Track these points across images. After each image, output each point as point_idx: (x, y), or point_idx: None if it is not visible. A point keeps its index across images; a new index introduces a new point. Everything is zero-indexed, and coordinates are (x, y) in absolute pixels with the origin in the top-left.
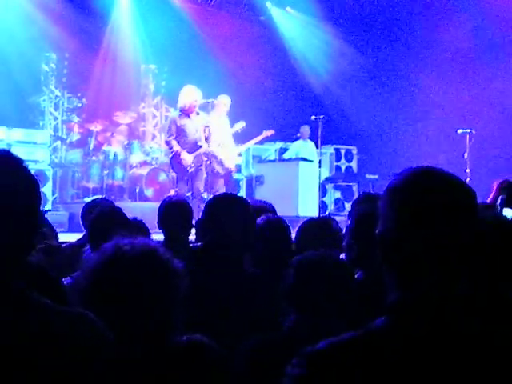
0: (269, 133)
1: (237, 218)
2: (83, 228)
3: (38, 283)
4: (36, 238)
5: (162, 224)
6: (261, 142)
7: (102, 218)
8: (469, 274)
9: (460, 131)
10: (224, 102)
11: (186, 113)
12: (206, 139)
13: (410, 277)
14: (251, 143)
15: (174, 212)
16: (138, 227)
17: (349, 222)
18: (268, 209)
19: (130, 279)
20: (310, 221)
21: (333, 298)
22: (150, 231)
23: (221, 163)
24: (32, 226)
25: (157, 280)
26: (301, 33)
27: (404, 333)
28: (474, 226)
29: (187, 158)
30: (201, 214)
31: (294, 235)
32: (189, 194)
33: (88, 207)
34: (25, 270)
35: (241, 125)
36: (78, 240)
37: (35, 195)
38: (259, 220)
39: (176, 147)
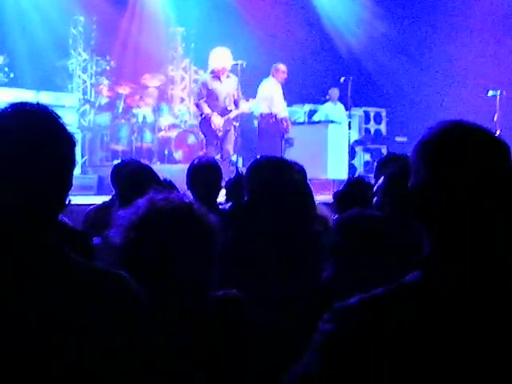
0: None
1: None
2: (113, 189)
3: (67, 241)
4: (67, 198)
5: (191, 185)
6: (289, 105)
7: (132, 177)
8: (505, 228)
9: (490, 93)
10: (284, 69)
11: (216, 75)
12: (236, 103)
13: (441, 230)
14: (251, 104)
15: (203, 173)
16: (169, 187)
17: (381, 180)
18: (299, 171)
19: (167, 234)
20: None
21: (369, 252)
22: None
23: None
24: (67, 184)
25: (194, 234)
26: None
27: (437, 287)
28: (509, 177)
29: (217, 121)
30: (231, 175)
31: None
32: (218, 156)
33: (117, 168)
34: (59, 227)
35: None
36: (105, 202)
37: (71, 152)
38: None
39: (206, 110)
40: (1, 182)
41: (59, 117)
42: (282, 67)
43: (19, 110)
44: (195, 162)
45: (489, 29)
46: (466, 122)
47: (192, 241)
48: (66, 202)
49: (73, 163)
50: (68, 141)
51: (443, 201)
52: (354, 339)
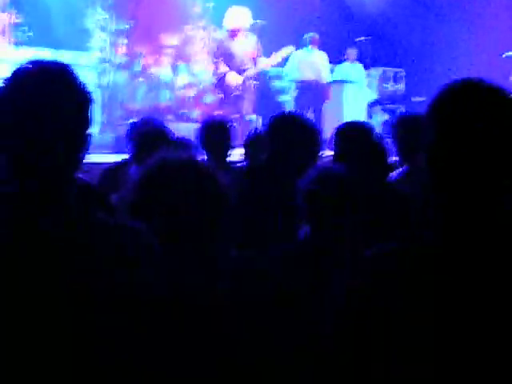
0: (288, 50)
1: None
2: (128, 147)
3: (86, 200)
4: (84, 157)
5: (203, 144)
6: None
7: (147, 136)
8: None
9: (505, 54)
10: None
11: (232, 35)
12: (254, 61)
13: (455, 191)
14: (271, 61)
15: (213, 132)
16: (185, 145)
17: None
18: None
19: (175, 190)
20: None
21: (341, 211)
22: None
23: None
24: (83, 141)
25: (203, 190)
26: None
27: (450, 247)
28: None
29: (234, 79)
30: (247, 134)
31: None
32: (236, 115)
33: (133, 127)
34: (78, 185)
35: (289, 49)
36: (121, 160)
37: (87, 110)
38: None
39: (223, 68)
40: (16, 139)
41: (76, 74)
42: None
43: (36, 68)
44: (206, 121)
45: None
46: (477, 81)
47: (200, 198)
48: (83, 160)
49: (89, 121)
50: (84, 99)
51: (449, 160)
52: (369, 291)
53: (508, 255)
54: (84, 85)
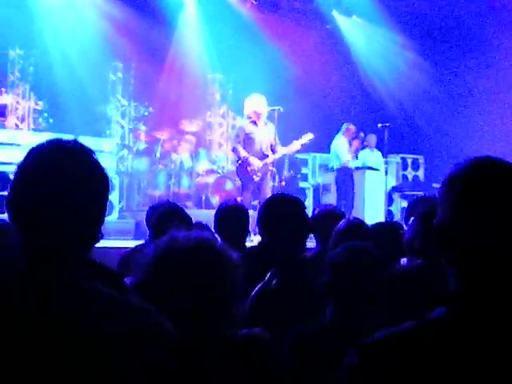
0: (308, 137)
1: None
2: (148, 230)
3: (102, 279)
4: (100, 231)
5: (218, 228)
6: (327, 152)
7: (164, 217)
8: None
9: None
10: (354, 129)
11: (253, 121)
12: (272, 149)
13: (466, 265)
14: (291, 149)
15: (229, 216)
16: (201, 227)
17: (411, 219)
18: (337, 213)
19: (184, 269)
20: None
21: (365, 293)
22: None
23: None
24: (98, 218)
25: (212, 270)
26: (367, 41)
27: (466, 324)
28: None
29: (255, 163)
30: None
31: None
32: (255, 202)
33: (151, 209)
34: (91, 266)
35: (309, 136)
36: (141, 244)
37: (104, 187)
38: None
39: (243, 153)
40: (36, 219)
41: (93, 152)
42: (352, 128)
43: (52, 145)
44: (222, 205)
45: None
46: (493, 157)
47: (210, 275)
48: (96, 242)
49: (106, 198)
50: (101, 176)
51: (467, 236)
52: (379, 375)
53: None
54: (101, 166)
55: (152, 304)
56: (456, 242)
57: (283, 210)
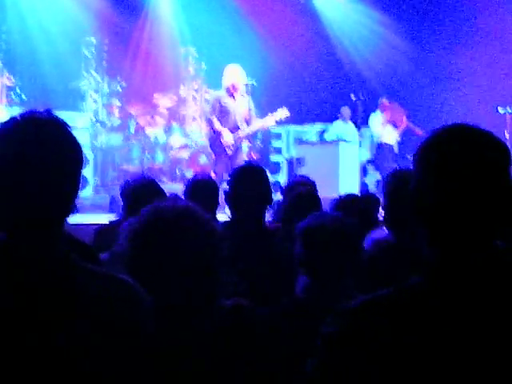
0: (283, 112)
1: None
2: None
3: (77, 253)
4: (74, 204)
5: (190, 201)
6: (301, 123)
7: (139, 190)
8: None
9: (500, 110)
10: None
11: (230, 93)
12: (247, 122)
13: (439, 232)
14: (266, 123)
15: (198, 190)
16: (177, 200)
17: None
18: (307, 182)
19: (171, 238)
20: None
21: (339, 261)
22: None
23: None
24: (73, 187)
25: (199, 238)
26: (341, 15)
27: (440, 291)
28: (504, 184)
29: (228, 137)
30: None
31: None
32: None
33: (125, 184)
34: (66, 240)
35: (284, 112)
36: (115, 220)
37: (78, 157)
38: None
39: (217, 126)
40: (4, 190)
41: (66, 124)
42: (385, 102)
43: (28, 117)
44: (191, 180)
45: (500, 47)
46: (468, 125)
47: (197, 244)
48: (74, 207)
49: (80, 167)
50: (75, 147)
51: (434, 203)
52: (355, 341)
53: (501, 300)
54: (74, 136)
55: (136, 275)
56: (424, 210)
57: (245, 184)
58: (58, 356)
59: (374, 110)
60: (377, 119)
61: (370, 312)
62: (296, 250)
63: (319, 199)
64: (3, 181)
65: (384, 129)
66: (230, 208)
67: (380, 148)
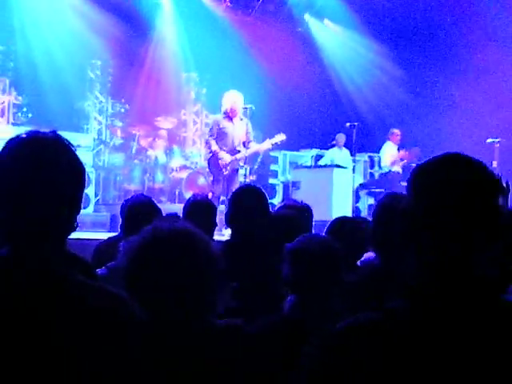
0: (281, 137)
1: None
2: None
3: (75, 268)
4: (76, 220)
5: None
6: (297, 149)
7: (137, 209)
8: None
9: (489, 140)
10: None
11: (228, 116)
12: (244, 145)
13: (427, 251)
14: (263, 147)
15: (196, 210)
16: (175, 219)
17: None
18: (295, 207)
19: (169, 256)
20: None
21: (324, 282)
22: None
23: None
24: (74, 206)
25: (196, 258)
26: (337, 44)
27: (423, 314)
28: (492, 208)
29: (225, 158)
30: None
31: None
32: (224, 197)
33: (126, 202)
34: (64, 254)
35: (281, 137)
36: (114, 236)
37: (81, 177)
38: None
39: (214, 147)
40: (6, 204)
41: (70, 143)
42: (396, 131)
43: (33, 136)
44: (190, 199)
45: (488, 79)
46: (459, 154)
47: (194, 265)
48: (75, 226)
49: (82, 188)
50: (78, 166)
51: (424, 228)
52: (338, 364)
53: (483, 328)
54: (77, 156)
55: (135, 291)
56: (413, 233)
57: (246, 204)
58: (49, 364)
59: (383, 139)
60: (388, 148)
61: (355, 337)
62: (284, 271)
63: (304, 225)
64: (6, 197)
65: (394, 158)
66: (230, 228)
67: (388, 175)
